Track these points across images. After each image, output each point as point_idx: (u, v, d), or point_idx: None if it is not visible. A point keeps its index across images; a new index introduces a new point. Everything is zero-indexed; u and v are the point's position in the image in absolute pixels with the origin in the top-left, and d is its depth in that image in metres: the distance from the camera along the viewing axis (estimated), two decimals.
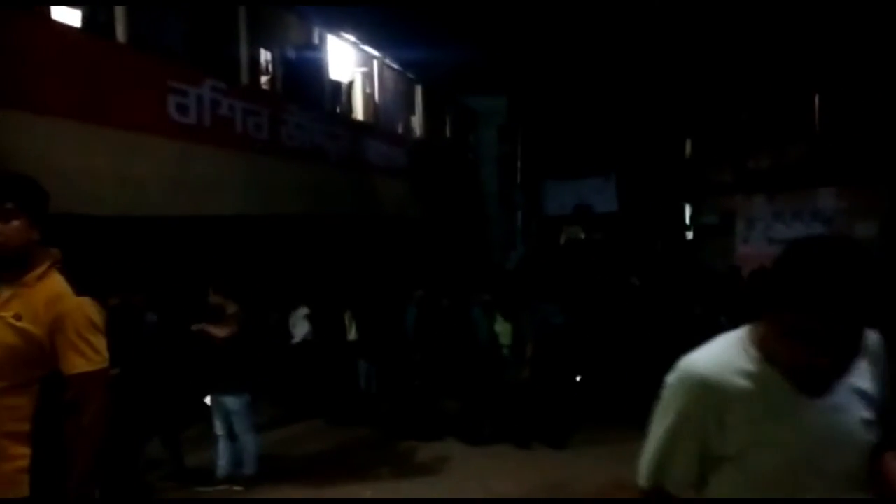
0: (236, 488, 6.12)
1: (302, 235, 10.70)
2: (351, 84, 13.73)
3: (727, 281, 12.53)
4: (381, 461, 7.35)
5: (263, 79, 11.46)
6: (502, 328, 8.34)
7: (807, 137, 15.41)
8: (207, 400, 6.14)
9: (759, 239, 16.73)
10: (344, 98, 13.54)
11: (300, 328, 9.12)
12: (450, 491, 6.45)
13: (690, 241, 20.53)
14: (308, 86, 12.14)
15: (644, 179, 20.92)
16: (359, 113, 13.91)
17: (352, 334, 9.17)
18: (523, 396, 8.12)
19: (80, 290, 2.38)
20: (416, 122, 16.56)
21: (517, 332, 8.23)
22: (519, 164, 21.85)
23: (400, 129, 15.68)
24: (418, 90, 16.49)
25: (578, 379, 9.20)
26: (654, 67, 18.12)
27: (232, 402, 6.07)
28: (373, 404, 9.05)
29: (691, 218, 20.66)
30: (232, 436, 6.17)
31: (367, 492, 6.33)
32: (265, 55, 11.39)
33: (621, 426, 9.01)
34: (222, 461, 6.21)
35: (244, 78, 10.35)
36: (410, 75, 15.90)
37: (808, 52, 14.64)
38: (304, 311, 9.14)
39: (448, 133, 18.68)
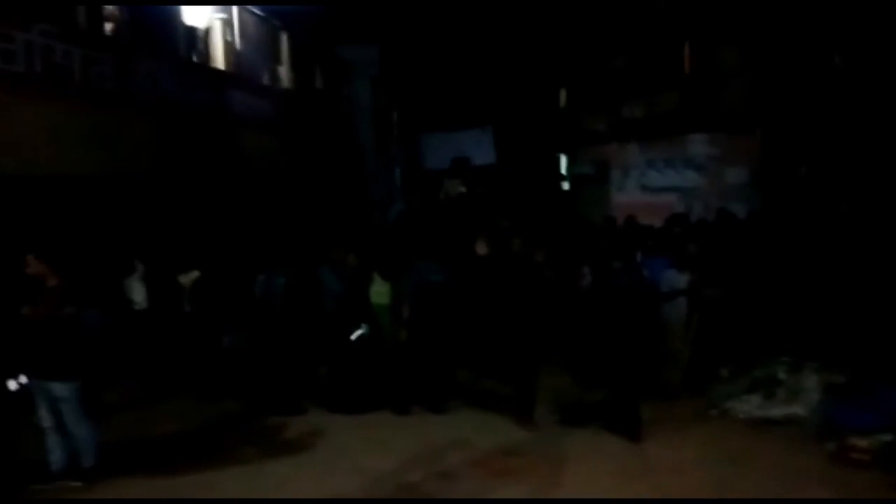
0: (74, 484, 5.44)
1: (155, 194, 9.86)
2: (208, 31, 12.73)
3: (604, 231, 12.55)
4: (246, 440, 6.79)
5: (109, 26, 10.41)
6: (381, 288, 7.93)
7: (678, 85, 15.55)
8: (11, 384, 5.32)
9: (633, 187, 16.88)
10: (201, 46, 12.55)
11: (137, 293, 8.38)
12: (318, 472, 6.00)
13: (567, 191, 20.59)
14: (160, 33, 11.15)
15: (520, 130, 20.77)
16: (219, 62, 12.94)
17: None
18: (400, 359, 7.74)
19: None
20: (284, 72, 15.67)
21: (396, 292, 7.84)
22: (395, 116, 21.25)
23: (266, 80, 14.76)
24: (284, 38, 15.58)
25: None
26: (528, 16, 17.85)
27: (59, 388, 5.33)
28: (241, 377, 8.43)
29: (567, 168, 20.71)
30: (61, 427, 5.44)
31: (225, 478, 5.79)
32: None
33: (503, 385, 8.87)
34: (55, 455, 5.47)
35: (82, 22, 9.33)
36: (275, 22, 14.96)
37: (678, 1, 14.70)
38: (140, 271, 8.39)
39: (319, 84, 17.82)
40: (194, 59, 12.19)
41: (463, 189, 22.99)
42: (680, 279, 8.54)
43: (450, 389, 7.90)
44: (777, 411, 6.84)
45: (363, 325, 7.85)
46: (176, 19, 11.54)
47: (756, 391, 7.21)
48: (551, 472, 5.90)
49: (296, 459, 6.34)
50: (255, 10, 14.00)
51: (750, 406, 7.03)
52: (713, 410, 7.27)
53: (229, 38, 13.24)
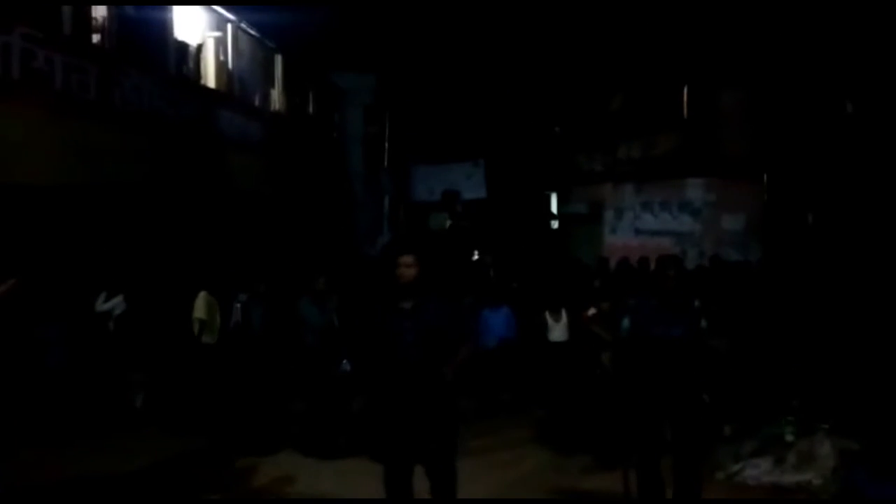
0: None
1: (136, 210, 9.43)
2: (200, 48, 12.33)
3: (595, 272, 12.22)
4: (210, 484, 6.25)
5: (96, 37, 9.99)
6: None
7: (677, 127, 15.31)
8: None
9: (627, 229, 16.58)
10: (192, 63, 12.13)
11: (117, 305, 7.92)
12: None
13: (556, 230, 20.25)
14: (149, 46, 10.74)
15: (512, 166, 20.46)
16: (209, 80, 12.52)
17: None
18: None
19: None
20: (276, 95, 15.28)
21: None
22: (386, 146, 20.88)
23: (257, 102, 14.37)
24: (278, 61, 15.21)
25: None
26: (525, 53, 17.61)
27: None
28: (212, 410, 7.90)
29: (558, 206, 20.40)
30: None
31: None
32: (100, 11, 9.91)
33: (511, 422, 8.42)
34: None
35: (66, 29, 8.91)
36: (270, 44, 14.61)
37: (677, 42, 14.50)
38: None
39: (311, 110, 17.44)
40: (184, 75, 11.77)
41: (448, 223, 22.63)
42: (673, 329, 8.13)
43: None
44: (789, 478, 6.39)
45: (346, 361, 7.43)
46: (167, 34, 11.14)
47: (765, 454, 6.77)
48: None
49: None
50: (251, 30, 13.65)
51: (759, 471, 6.58)
52: (719, 473, 6.80)
53: (222, 57, 12.85)
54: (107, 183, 8.99)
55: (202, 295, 8.12)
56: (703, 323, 5.21)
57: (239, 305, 8.13)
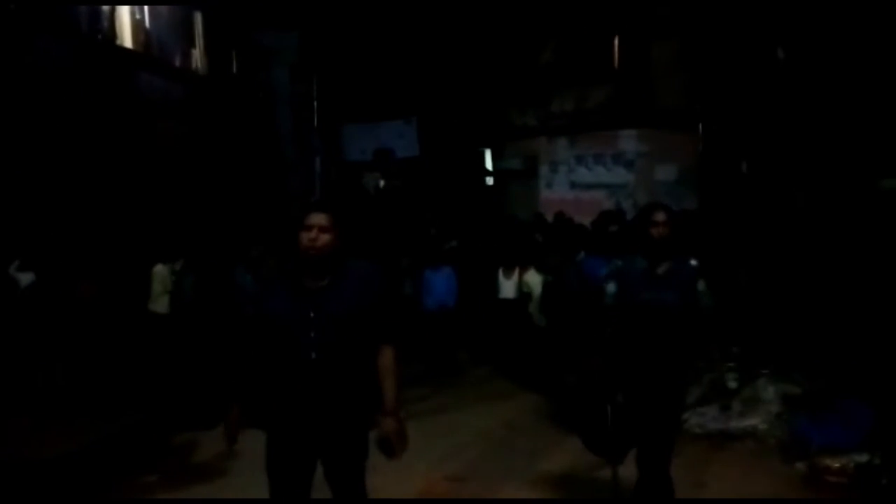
0: None
1: (51, 180, 8.94)
2: (114, 7, 11.66)
3: (534, 228, 12.18)
4: (147, 464, 5.97)
5: None
6: None
7: (610, 79, 15.23)
8: None
9: (563, 184, 16.56)
10: (106, 23, 11.48)
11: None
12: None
13: (492, 187, 20.13)
14: (60, 6, 10.10)
15: (445, 123, 20.17)
16: (125, 40, 11.87)
17: None
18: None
19: None
20: (197, 55, 14.65)
21: None
22: (315, 105, 20.34)
23: (178, 62, 13.74)
24: (198, 19, 14.55)
25: None
26: (454, 6, 17.25)
27: None
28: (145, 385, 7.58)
29: (493, 163, 20.24)
30: None
31: None
32: None
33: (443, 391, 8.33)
34: None
35: None
36: (189, 1, 13.95)
37: None
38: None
39: (235, 70, 16.81)
40: (98, 36, 11.13)
41: (382, 182, 22.30)
42: None
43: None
44: (735, 424, 6.47)
45: None
46: None
47: (710, 402, 6.84)
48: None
49: (206, 488, 5.58)
50: None
51: (705, 419, 6.64)
52: None
53: (138, 16, 12.20)
54: (18, 150, 8.49)
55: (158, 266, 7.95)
56: (702, 285, 4.31)
57: (171, 275, 7.88)
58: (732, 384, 7.10)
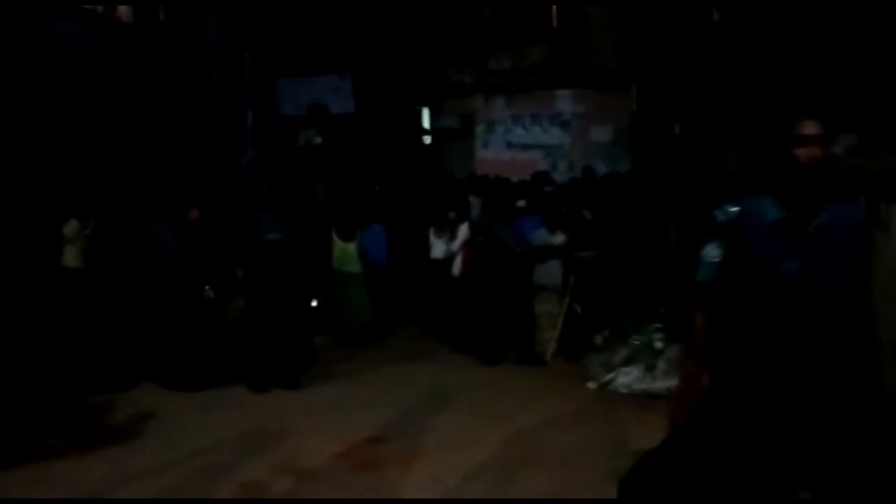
0: None
1: None
2: None
3: (468, 187, 12.05)
4: (57, 427, 5.73)
5: None
6: None
7: (547, 38, 15.04)
8: None
9: (499, 143, 16.43)
10: None
11: None
12: (147, 466, 5.09)
13: (429, 146, 19.87)
14: None
15: (381, 79, 19.76)
16: None
17: None
18: (240, 331, 6.95)
19: None
20: (121, 3, 13.95)
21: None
22: (247, 57, 19.69)
23: (99, 9, 13.07)
24: None
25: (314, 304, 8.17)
26: None
27: None
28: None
29: (430, 121, 19.96)
30: None
31: (34, 481, 4.78)
32: None
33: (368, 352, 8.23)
34: None
35: None
36: None
37: None
38: None
39: (161, 18, 16.10)
40: None
41: (318, 139, 21.81)
42: (552, 240, 8.18)
43: (304, 361, 7.20)
44: (659, 384, 6.50)
45: (208, 287, 7.02)
46: None
47: (635, 362, 6.87)
48: (422, 462, 5.27)
49: (119, 450, 5.38)
50: None
51: (631, 379, 6.67)
52: (591, 383, 6.87)
53: None
54: None
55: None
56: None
57: (87, 232, 7.56)
58: (659, 345, 7.14)
